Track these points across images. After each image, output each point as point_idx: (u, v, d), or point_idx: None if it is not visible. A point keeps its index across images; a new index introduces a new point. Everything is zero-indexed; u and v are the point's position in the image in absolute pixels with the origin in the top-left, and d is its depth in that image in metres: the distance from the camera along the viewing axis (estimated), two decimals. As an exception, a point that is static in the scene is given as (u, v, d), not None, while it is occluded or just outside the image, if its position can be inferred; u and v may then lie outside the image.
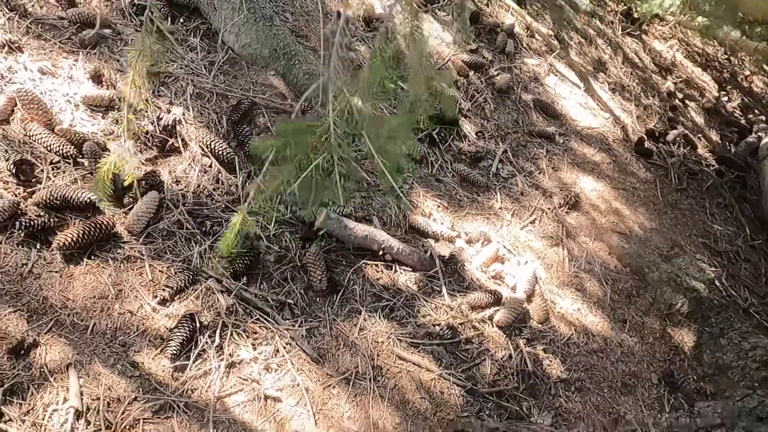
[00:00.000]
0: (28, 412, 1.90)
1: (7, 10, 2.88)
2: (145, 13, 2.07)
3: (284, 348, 2.38)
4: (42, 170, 2.43)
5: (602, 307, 3.29)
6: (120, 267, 2.33)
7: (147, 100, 2.87)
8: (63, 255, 2.25)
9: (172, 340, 2.18)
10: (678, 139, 5.15)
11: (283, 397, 2.25)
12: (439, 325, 2.76)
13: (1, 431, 1.82)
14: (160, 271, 2.39)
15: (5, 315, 2.04)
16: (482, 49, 4.67)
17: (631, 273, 3.55)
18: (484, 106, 4.20)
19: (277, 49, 3.37)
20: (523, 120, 4.31)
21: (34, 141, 2.49)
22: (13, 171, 2.34)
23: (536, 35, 5.29)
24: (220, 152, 2.82)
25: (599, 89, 5.17)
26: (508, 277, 3.16)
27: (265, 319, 2.43)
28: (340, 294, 2.67)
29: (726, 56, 7.53)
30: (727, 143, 5.78)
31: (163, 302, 2.30)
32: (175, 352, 2.16)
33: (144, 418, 2.02)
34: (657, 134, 5.07)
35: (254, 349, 2.33)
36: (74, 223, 2.33)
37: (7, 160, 2.36)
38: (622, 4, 6.74)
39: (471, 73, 4.36)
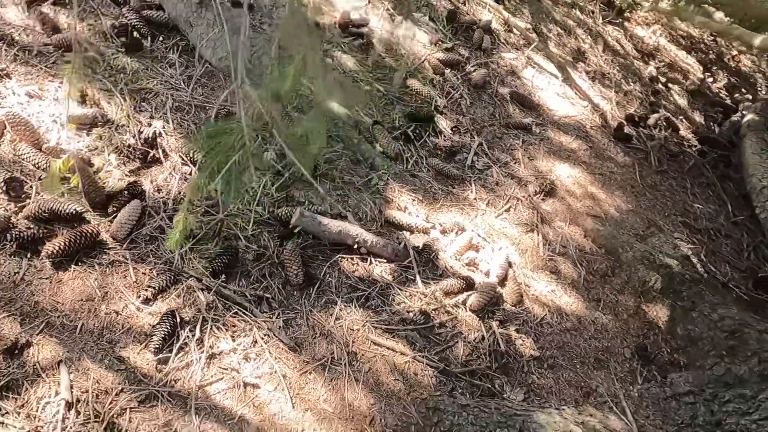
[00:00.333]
0: (23, 405, 2.08)
1: (-5, 41, 3.10)
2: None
3: (262, 339, 2.54)
4: (31, 186, 2.63)
5: (576, 288, 3.41)
6: (105, 271, 2.51)
7: (128, 115, 3.08)
8: (52, 263, 2.43)
9: (154, 335, 2.35)
10: (659, 122, 5.24)
11: (261, 383, 2.42)
12: (413, 311, 2.91)
13: (-2, 423, 2.01)
14: (143, 273, 2.57)
15: (0, 319, 2.23)
16: (459, 47, 4.81)
17: (605, 254, 3.67)
18: (460, 101, 4.34)
19: (251, 60, 3.54)
20: (499, 113, 4.44)
21: (23, 159, 2.69)
22: (4, 188, 2.53)
23: (514, 30, 5.41)
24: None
25: (578, 78, 5.28)
26: (483, 264, 3.30)
27: (244, 312, 2.60)
28: (316, 287, 2.83)
29: (712, 37, 7.58)
30: (711, 123, 5.85)
31: (147, 302, 2.48)
32: (157, 346, 2.33)
33: (130, 408, 2.20)
34: (637, 119, 5.16)
35: (233, 340, 2.50)
36: (62, 233, 2.51)
37: (-2, 179, 2.56)
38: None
39: (447, 70, 4.50)
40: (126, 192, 2.77)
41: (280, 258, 2.85)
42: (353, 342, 2.69)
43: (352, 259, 3.02)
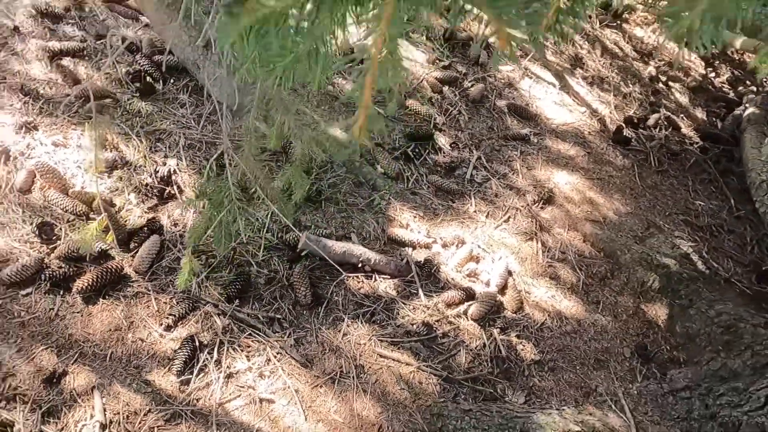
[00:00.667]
0: (63, 428, 2.33)
1: (22, 95, 3.39)
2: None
3: (275, 357, 2.76)
4: (60, 228, 2.90)
5: (576, 292, 3.55)
6: (130, 302, 2.76)
7: (145, 156, 3.34)
8: (82, 297, 2.69)
9: (176, 359, 2.58)
10: (659, 122, 5.33)
11: (276, 398, 2.63)
12: (416, 323, 3.09)
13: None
14: (164, 302, 2.81)
15: (39, 352, 2.48)
16: (456, 64, 5.00)
17: (604, 257, 3.80)
18: (458, 117, 4.53)
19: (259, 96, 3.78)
20: (497, 126, 4.61)
21: (52, 205, 2.96)
22: (37, 232, 2.81)
23: (511, 42, 5.57)
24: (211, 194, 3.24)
25: (575, 85, 5.42)
26: (483, 274, 3.46)
27: (258, 334, 2.82)
28: (324, 306, 3.04)
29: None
30: (714, 119, 5.91)
31: (168, 328, 2.72)
32: (179, 368, 2.56)
33: (158, 426, 2.43)
34: (636, 120, 5.27)
35: (248, 360, 2.72)
36: (90, 270, 2.77)
37: (31, 224, 2.84)
38: (601, -4, 6.96)
39: (445, 88, 4.69)
40: (146, 228, 3.03)
41: (290, 280, 3.07)
42: (360, 355, 2.89)
43: (357, 277, 3.22)
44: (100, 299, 2.72)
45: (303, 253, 3.15)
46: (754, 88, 6.60)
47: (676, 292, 3.52)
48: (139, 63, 3.85)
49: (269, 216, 3.25)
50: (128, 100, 3.64)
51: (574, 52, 5.89)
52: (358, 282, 3.21)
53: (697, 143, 5.33)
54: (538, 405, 2.93)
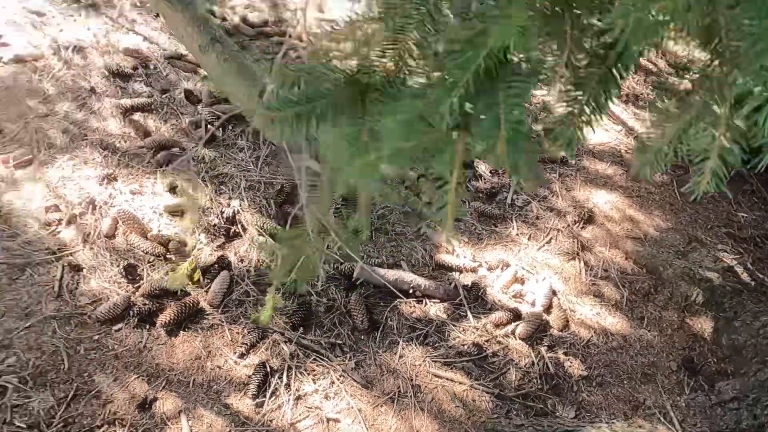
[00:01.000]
0: (157, 448, 2.63)
1: (102, 150, 3.79)
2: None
3: (338, 379, 3.00)
4: (143, 269, 3.24)
5: (620, 309, 3.68)
6: (207, 333, 3.06)
7: (211, 199, 3.68)
8: (165, 330, 3.01)
9: (251, 383, 2.86)
10: (697, 135, 5.40)
11: (341, 418, 2.86)
12: (467, 344, 3.29)
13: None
14: (236, 332, 3.10)
15: (132, 380, 2.80)
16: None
17: (647, 273, 3.91)
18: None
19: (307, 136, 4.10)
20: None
21: (134, 248, 3.31)
22: (123, 273, 3.16)
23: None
24: (272, 231, 3.55)
25: (610, 104, 5.54)
26: (528, 294, 3.64)
27: (321, 358, 3.07)
28: (380, 330, 3.27)
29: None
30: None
31: (242, 356, 3.00)
32: (254, 392, 2.83)
33: (238, 445, 2.70)
34: (674, 135, 5.35)
35: (315, 383, 2.97)
36: (170, 305, 3.09)
37: (118, 266, 3.19)
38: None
39: (482, 116, 4.91)
40: (216, 265, 3.34)
41: (347, 307, 3.32)
42: (416, 376, 3.10)
43: (409, 302, 3.45)
44: (181, 331, 3.03)
45: (358, 282, 3.41)
46: (795, 95, 6.56)
47: (720, 305, 3.61)
48: (200, 113, 4.24)
49: (336, 251, 3.53)
50: (193, 147, 4.01)
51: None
52: (410, 307, 3.44)
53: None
54: (588, 419, 3.07)
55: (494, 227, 4.07)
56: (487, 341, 3.33)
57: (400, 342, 3.24)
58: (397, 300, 3.43)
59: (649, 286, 3.84)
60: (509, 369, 3.22)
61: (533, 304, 3.57)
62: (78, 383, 2.74)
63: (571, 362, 3.32)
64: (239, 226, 3.59)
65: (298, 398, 2.91)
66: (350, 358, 3.11)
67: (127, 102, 4.14)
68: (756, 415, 2.91)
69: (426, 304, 3.46)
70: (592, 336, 3.49)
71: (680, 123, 1.16)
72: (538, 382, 3.18)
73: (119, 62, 4.48)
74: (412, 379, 3.08)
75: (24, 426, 2.55)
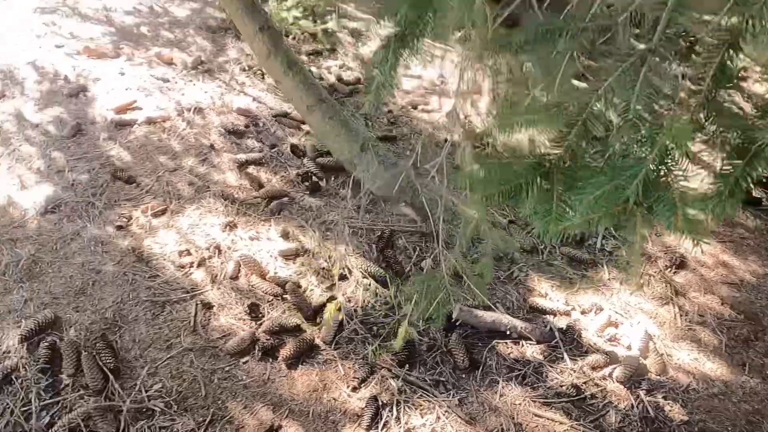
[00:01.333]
0: (283, 472, 2.89)
1: (223, 200, 4.25)
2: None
3: (444, 415, 3.19)
4: (263, 308, 3.59)
5: (719, 354, 3.68)
6: (322, 368, 3.34)
7: (319, 244, 4.03)
8: (286, 364, 3.31)
9: (364, 415, 3.09)
10: (790, 179, 5.33)
11: (448, 452, 3.04)
12: (565, 385, 3.40)
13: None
14: (348, 367, 3.37)
15: (259, 409, 3.10)
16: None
17: (745, 319, 3.90)
18: (583, 190, 4.88)
19: (403, 185, 4.42)
20: (621, 195, 4.89)
21: (255, 288, 3.68)
22: (248, 311, 3.52)
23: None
24: (375, 274, 3.83)
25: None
26: (623, 338, 3.71)
27: (426, 394, 3.27)
28: (480, 369, 3.45)
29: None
30: None
31: (354, 390, 3.25)
32: (368, 424, 3.07)
33: (355, 473, 2.92)
34: (765, 180, 5.31)
35: (422, 417, 3.17)
36: (289, 341, 3.41)
37: (242, 304, 3.56)
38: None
39: (567, 164, 5.09)
40: (326, 304, 3.65)
41: (448, 347, 3.53)
42: (517, 414, 3.24)
43: (506, 343, 3.61)
44: (300, 365, 3.33)
45: (458, 323, 3.61)
46: None
47: (826, 353, 3.55)
48: (306, 165, 4.66)
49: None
50: (301, 197, 4.41)
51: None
52: (507, 347, 3.60)
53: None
54: (692, 464, 3.09)
55: (585, 272, 4.19)
56: (584, 383, 3.43)
57: (500, 381, 3.39)
58: (495, 340, 3.60)
59: (749, 332, 3.82)
60: (608, 411, 3.30)
61: (629, 348, 3.64)
62: (214, 409, 3.07)
63: (671, 407, 3.36)
64: (345, 269, 3.90)
65: (408, 431, 3.11)
66: (453, 395, 3.30)
67: (242, 157, 4.62)
68: None
69: (522, 345, 3.62)
70: (691, 381, 3.51)
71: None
72: (639, 425, 3.24)
73: (233, 121, 5.02)
74: (513, 417, 3.22)
75: (170, 446, 2.89)
